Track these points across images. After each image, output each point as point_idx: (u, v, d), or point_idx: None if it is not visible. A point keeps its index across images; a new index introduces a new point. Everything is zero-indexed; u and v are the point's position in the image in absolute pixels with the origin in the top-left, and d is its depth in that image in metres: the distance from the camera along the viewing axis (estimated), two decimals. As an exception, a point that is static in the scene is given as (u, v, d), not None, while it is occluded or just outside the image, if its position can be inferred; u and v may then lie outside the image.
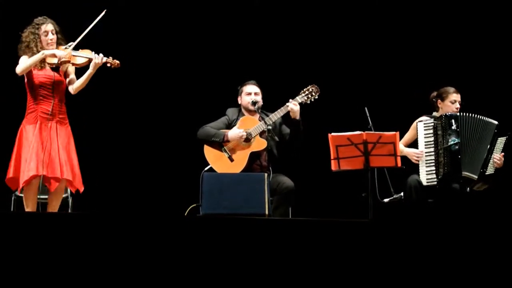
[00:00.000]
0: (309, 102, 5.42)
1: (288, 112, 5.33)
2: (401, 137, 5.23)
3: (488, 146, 5.19)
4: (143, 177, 6.47)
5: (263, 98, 5.53)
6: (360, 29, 6.70)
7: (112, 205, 6.25)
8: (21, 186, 4.88)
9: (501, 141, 5.22)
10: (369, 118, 5.40)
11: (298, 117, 5.34)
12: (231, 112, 5.56)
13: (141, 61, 6.52)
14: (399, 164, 5.04)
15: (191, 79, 6.65)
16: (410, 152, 5.32)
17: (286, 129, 5.50)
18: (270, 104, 5.52)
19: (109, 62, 5.06)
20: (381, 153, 4.98)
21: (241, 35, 6.67)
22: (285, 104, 5.36)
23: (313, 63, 6.61)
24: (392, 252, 3.79)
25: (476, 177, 5.17)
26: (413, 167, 5.32)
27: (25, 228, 3.73)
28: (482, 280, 3.75)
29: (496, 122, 5.22)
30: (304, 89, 5.43)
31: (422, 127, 5.32)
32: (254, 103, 5.44)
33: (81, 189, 5.05)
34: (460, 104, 5.37)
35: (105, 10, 5.10)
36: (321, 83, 5.50)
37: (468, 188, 5.25)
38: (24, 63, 4.93)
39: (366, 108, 5.45)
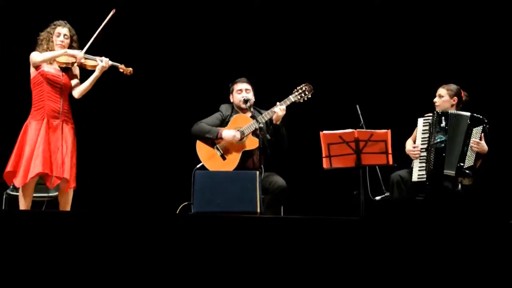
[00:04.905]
0: (302, 101, 5.41)
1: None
2: (394, 135, 5.17)
3: (463, 139, 5.08)
4: (135, 175, 6.48)
5: (256, 96, 5.53)
6: (352, 27, 6.71)
7: (105, 203, 6.25)
8: (28, 180, 4.86)
9: (476, 131, 5.09)
10: (360, 116, 5.41)
11: (279, 122, 5.33)
12: (224, 108, 5.56)
13: (135, 59, 6.49)
14: (391, 162, 5.05)
15: (185, 77, 6.65)
16: (407, 149, 5.28)
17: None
18: (263, 101, 5.52)
19: (121, 68, 5.24)
20: (373, 151, 5.00)
21: (234, 32, 6.67)
22: (277, 102, 5.37)
23: (305, 60, 6.62)
24: (383, 250, 3.79)
25: (453, 172, 5.07)
26: (404, 165, 5.33)
27: (18, 227, 3.72)
28: (473, 278, 3.76)
29: (468, 114, 5.12)
30: (297, 88, 5.40)
31: (421, 122, 5.26)
32: (245, 101, 5.43)
33: (73, 186, 5.06)
34: (440, 97, 5.26)
35: (114, 10, 5.21)
36: (313, 80, 5.49)
37: (460, 185, 5.21)
38: (43, 55, 5.02)
39: (357, 106, 5.46)
